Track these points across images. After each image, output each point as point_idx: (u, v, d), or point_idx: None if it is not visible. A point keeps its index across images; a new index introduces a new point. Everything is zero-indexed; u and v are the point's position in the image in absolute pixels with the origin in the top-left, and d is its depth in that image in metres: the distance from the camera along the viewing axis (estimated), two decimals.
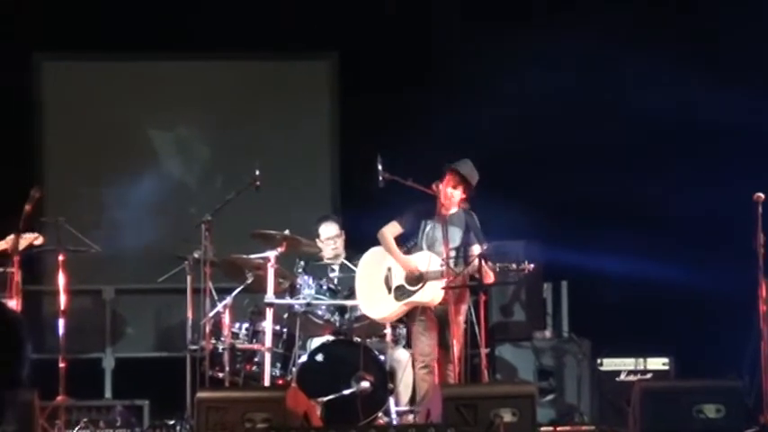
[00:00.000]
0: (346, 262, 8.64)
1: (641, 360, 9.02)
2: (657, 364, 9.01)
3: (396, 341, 8.31)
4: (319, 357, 8.08)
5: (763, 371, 7.73)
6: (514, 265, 7.67)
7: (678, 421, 7.16)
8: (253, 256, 8.31)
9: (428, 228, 7.90)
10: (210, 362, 8.17)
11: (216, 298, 8.25)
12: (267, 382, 8.00)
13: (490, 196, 8.51)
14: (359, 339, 8.16)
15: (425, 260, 7.78)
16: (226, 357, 8.17)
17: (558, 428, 8.63)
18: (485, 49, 9.89)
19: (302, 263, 8.55)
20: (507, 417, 6.67)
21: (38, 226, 8.25)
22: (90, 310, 9.92)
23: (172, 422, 8.48)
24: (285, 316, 8.45)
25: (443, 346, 7.79)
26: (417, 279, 7.80)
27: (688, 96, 9.38)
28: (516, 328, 9.34)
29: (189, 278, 8.44)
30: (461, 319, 7.79)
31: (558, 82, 9.82)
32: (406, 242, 8.05)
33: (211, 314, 8.18)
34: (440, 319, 7.80)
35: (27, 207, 7.81)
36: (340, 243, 8.72)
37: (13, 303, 7.62)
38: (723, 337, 9.00)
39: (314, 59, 10.78)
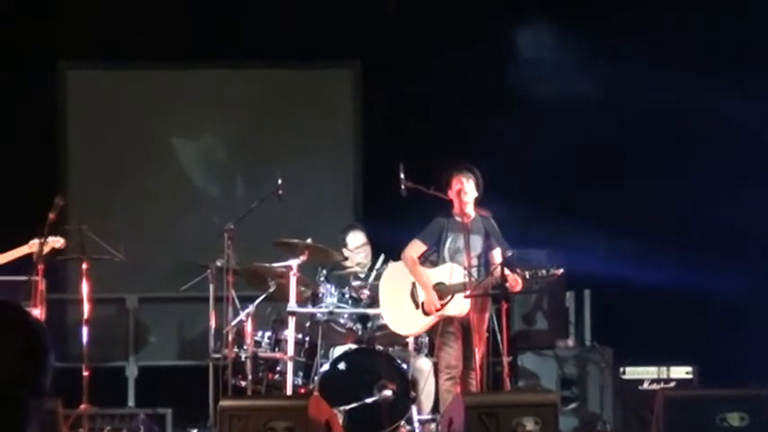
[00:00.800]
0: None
1: (664, 369, 8.99)
2: (680, 372, 8.98)
3: (418, 350, 8.30)
4: (341, 366, 8.08)
5: None
6: (544, 271, 7.66)
7: (701, 430, 7.13)
8: (275, 264, 8.32)
9: (449, 240, 7.90)
10: (233, 370, 8.18)
11: (239, 306, 8.26)
12: (289, 391, 8.01)
13: (513, 205, 8.52)
14: (381, 348, 8.15)
15: (448, 272, 7.77)
16: (248, 366, 8.18)
17: None
18: (505, 57, 9.88)
19: (324, 271, 8.56)
20: (530, 425, 6.66)
21: (61, 234, 8.28)
22: (113, 318, 9.95)
23: (194, 431, 8.50)
24: (307, 324, 8.46)
25: (466, 354, 7.79)
26: (444, 293, 7.80)
27: (712, 101, 9.35)
28: (539, 336, 9.32)
29: (212, 287, 8.47)
30: (484, 327, 7.78)
31: (579, 89, 9.81)
32: (428, 253, 8.04)
33: (234, 323, 8.20)
34: (463, 328, 7.80)
35: (51, 215, 7.85)
36: (367, 252, 8.74)
37: (38, 312, 7.65)
38: (746, 345, 8.96)
39: (336, 68, 10.80)
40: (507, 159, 9.65)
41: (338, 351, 8.29)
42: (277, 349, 8.32)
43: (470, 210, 7.84)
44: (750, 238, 9.66)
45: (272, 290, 8.35)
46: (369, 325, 8.25)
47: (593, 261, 9.15)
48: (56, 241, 7.99)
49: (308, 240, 8.24)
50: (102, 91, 10.59)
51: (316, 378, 8.16)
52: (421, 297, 7.88)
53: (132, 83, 10.61)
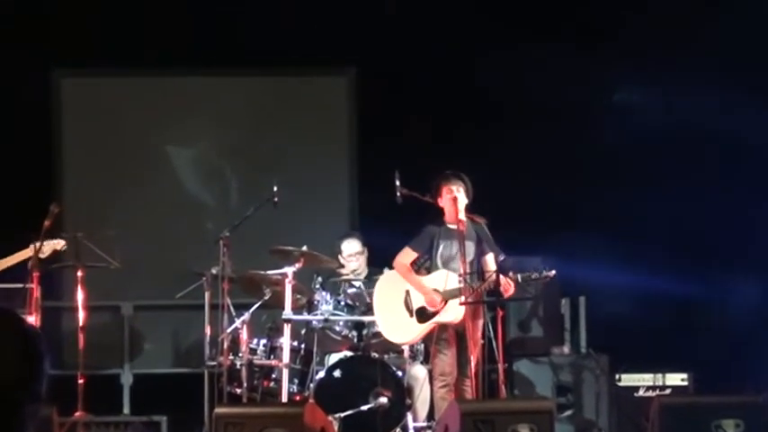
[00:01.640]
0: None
1: (660, 376, 9.00)
2: (676, 379, 8.99)
3: (413, 357, 8.30)
4: (337, 373, 8.08)
5: None
6: (536, 274, 7.66)
7: None
8: (270, 272, 8.31)
9: (441, 247, 7.90)
10: (228, 378, 8.18)
11: (234, 314, 8.26)
12: (285, 398, 8.01)
13: (508, 211, 8.53)
14: (376, 355, 8.15)
15: (442, 279, 7.78)
16: (243, 373, 8.18)
17: None
18: (502, 64, 9.89)
19: (320, 279, 8.56)
20: None
21: None
22: (108, 326, 9.94)
23: None
24: (303, 332, 8.46)
25: (460, 361, 7.79)
26: (440, 301, 7.79)
27: (710, 112, 9.37)
28: (534, 343, 9.32)
29: (207, 294, 8.46)
30: (478, 334, 7.78)
31: (577, 96, 9.83)
32: (418, 261, 8.04)
33: (229, 330, 8.19)
34: (458, 335, 7.80)
35: (46, 223, 7.84)
36: (362, 260, 8.75)
37: (32, 319, 7.64)
38: (742, 352, 8.96)
39: (332, 75, 10.81)
40: (503, 166, 9.67)
41: (333, 358, 8.29)
42: (272, 357, 8.32)
43: (463, 216, 7.84)
44: (747, 246, 9.67)
45: (267, 297, 8.35)
46: (364, 332, 8.25)
47: (589, 268, 9.16)
48: (57, 243, 7.97)
49: (304, 248, 8.25)
50: (97, 98, 10.58)
51: (311, 385, 8.16)
52: (415, 304, 7.87)
53: (127, 90, 10.60)
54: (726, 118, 9.28)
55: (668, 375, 9.01)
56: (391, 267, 8.12)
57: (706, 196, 9.56)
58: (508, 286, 7.53)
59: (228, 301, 8.21)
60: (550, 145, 9.95)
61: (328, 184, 10.57)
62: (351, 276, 8.67)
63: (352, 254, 8.74)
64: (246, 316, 8.22)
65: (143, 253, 9.96)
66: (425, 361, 8.22)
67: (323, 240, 8.88)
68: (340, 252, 8.74)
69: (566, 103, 9.90)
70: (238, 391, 8.23)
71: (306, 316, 8.34)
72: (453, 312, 7.71)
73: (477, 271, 7.81)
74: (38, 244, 7.81)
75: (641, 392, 8.96)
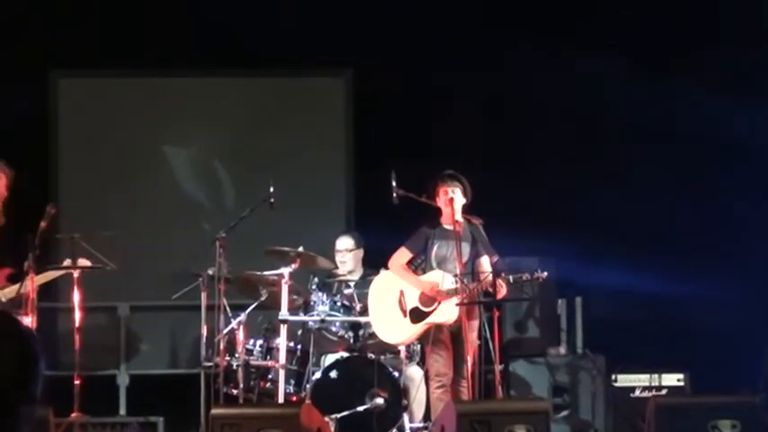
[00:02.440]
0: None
1: (656, 376, 9.00)
2: (672, 380, 9.00)
3: (410, 357, 8.31)
4: (333, 374, 8.08)
5: None
6: (527, 275, 7.66)
7: None
8: (267, 272, 8.32)
9: (436, 247, 7.91)
10: (225, 378, 8.18)
11: (230, 315, 8.26)
12: (281, 399, 8.01)
13: (504, 212, 8.53)
14: (373, 356, 8.15)
15: (438, 279, 7.78)
16: (240, 374, 8.17)
17: None
18: (501, 65, 9.90)
19: (316, 279, 8.56)
20: None
21: (53, 242, 8.27)
22: (104, 326, 9.93)
23: None
24: (299, 332, 8.47)
25: (456, 362, 7.79)
26: (432, 299, 7.80)
27: (707, 116, 9.37)
28: (530, 344, 9.33)
29: (203, 295, 8.45)
30: (474, 335, 7.78)
31: (572, 100, 9.84)
32: (414, 262, 8.05)
33: (225, 331, 8.19)
34: (453, 335, 7.80)
35: (42, 224, 7.83)
36: (350, 258, 8.75)
37: (29, 320, 7.63)
38: (738, 352, 8.97)
39: (329, 76, 10.81)
40: (500, 167, 9.68)
41: (330, 359, 8.29)
42: (269, 357, 8.32)
43: (459, 217, 7.85)
44: (743, 246, 9.68)
45: (263, 298, 8.36)
46: (360, 333, 8.25)
47: (585, 269, 9.17)
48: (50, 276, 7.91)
49: (300, 248, 8.25)
50: (93, 99, 10.58)
51: (307, 386, 8.16)
52: (409, 305, 7.87)
53: (124, 91, 10.60)
54: (725, 120, 9.28)
55: (664, 376, 9.01)
56: (387, 268, 8.12)
57: (703, 197, 9.57)
58: (500, 287, 7.54)
59: (225, 301, 8.21)
60: (548, 145, 9.97)
61: (325, 184, 10.57)
62: (347, 277, 8.68)
63: (342, 250, 8.76)
64: (243, 317, 8.23)
65: (140, 254, 9.96)
66: (422, 362, 8.22)
67: (319, 241, 8.89)
68: (334, 250, 8.78)
69: (564, 104, 9.91)
70: (235, 391, 8.23)
71: (302, 317, 8.34)
72: (447, 313, 7.71)
73: (472, 272, 7.82)
74: (35, 246, 7.80)
75: (637, 393, 8.96)
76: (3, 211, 7.81)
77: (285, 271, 8.10)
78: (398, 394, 8.00)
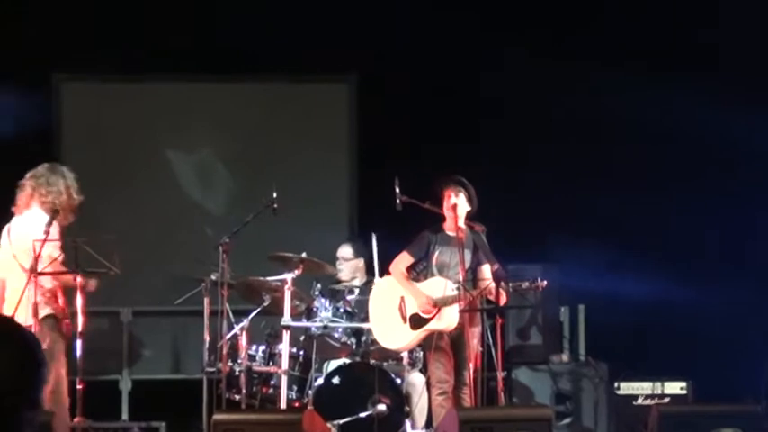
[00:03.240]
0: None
1: (658, 384, 9.00)
2: (675, 387, 8.99)
3: (412, 364, 8.30)
4: (336, 380, 8.07)
5: None
6: (527, 284, 7.65)
7: None
8: (270, 278, 8.32)
9: (437, 253, 7.89)
10: (227, 384, 8.18)
11: (233, 320, 8.26)
12: (283, 405, 8.00)
13: (507, 219, 8.53)
14: (375, 362, 8.15)
15: (438, 286, 7.76)
16: (242, 380, 8.17)
17: None
18: (504, 71, 9.90)
19: (319, 285, 8.56)
20: None
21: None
22: (107, 331, 9.93)
23: None
24: (302, 338, 8.46)
25: (458, 369, 7.78)
26: (432, 306, 7.78)
27: (710, 120, 9.37)
28: (533, 351, 9.32)
29: (206, 300, 8.45)
30: (475, 341, 7.77)
31: (576, 103, 9.84)
32: (416, 267, 8.04)
33: (228, 336, 8.19)
34: (454, 342, 7.79)
35: (45, 229, 7.83)
36: (347, 266, 8.78)
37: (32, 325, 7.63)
38: (741, 360, 8.96)
39: (333, 82, 10.81)
40: (504, 173, 9.68)
41: (332, 365, 8.29)
42: (271, 363, 8.31)
43: (462, 223, 7.83)
44: (745, 254, 9.67)
45: (266, 303, 8.36)
46: (363, 339, 8.25)
47: (588, 276, 9.16)
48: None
49: (303, 254, 8.25)
50: (97, 103, 10.58)
51: (310, 392, 8.16)
52: (409, 311, 7.85)
53: (127, 95, 10.60)
54: (727, 125, 9.28)
55: (667, 383, 9.01)
56: (388, 272, 8.11)
57: (707, 204, 9.56)
58: (500, 296, 7.52)
59: (227, 307, 8.20)
60: (552, 151, 9.96)
61: (328, 190, 10.57)
62: (352, 284, 8.69)
63: (339, 258, 8.78)
64: (245, 322, 8.23)
65: (142, 259, 9.96)
66: (424, 368, 8.21)
67: (322, 247, 8.88)
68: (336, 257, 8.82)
69: (567, 110, 9.91)
70: (237, 397, 8.23)
71: (305, 323, 8.34)
72: (447, 320, 7.69)
73: (472, 279, 7.80)
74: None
75: (640, 401, 8.95)
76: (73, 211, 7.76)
77: (288, 277, 8.10)
78: (401, 401, 7.99)
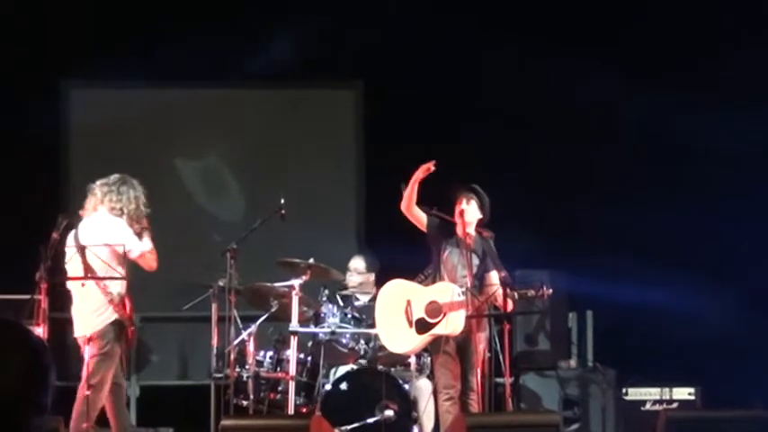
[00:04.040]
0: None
1: (667, 390, 8.98)
2: (683, 393, 8.97)
3: (420, 370, 8.30)
4: (343, 386, 8.07)
5: None
6: (532, 291, 7.64)
7: None
8: (277, 284, 8.32)
9: (447, 251, 7.86)
10: (235, 390, 8.18)
11: (240, 326, 8.26)
12: (291, 411, 8.01)
13: (515, 226, 8.52)
14: (383, 368, 8.15)
15: (445, 291, 7.74)
16: (250, 385, 8.18)
17: None
18: (511, 77, 9.91)
19: (327, 291, 8.56)
20: None
21: (65, 253, 8.27)
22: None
23: None
24: (309, 344, 8.46)
25: (464, 374, 7.77)
26: (438, 310, 7.77)
27: (716, 128, 9.36)
28: (541, 357, 9.32)
29: (214, 306, 8.46)
30: (482, 347, 7.76)
31: (586, 114, 9.83)
32: (424, 269, 8.03)
33: (236, 342, 8.20)
34: (461, 348, 7.77)
35: (54, 234, 7.85)
36: (358, 279, 8.77)
37: (40, 331, 7.64)
38: (750, 366, 8.95)
39: (339, 88, 10.82)
40: (510, 179, 9.67)
41: (340, 371, 8.29)
42: (279, 369, 8.32)
43: (471, 230, 7.83)
44: (754, 260, 9.66)
45: (274, 309, 8.36)
46: (371, 345, 8.25)
47: (596, 282, 9.15)
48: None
49: (311, 260, 8.25)
50: (104, 110, 10.59)
51: (318, 398, 8.16)
52: (415, 315, 7.83)
53: (136, 102, 10.61)
54: (731, 133, 9.28)
55: (675, 389, 8.99)
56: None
57: (715, 212, 9.55)
58: (506, 303, 7.51)
59: (235, 313, 8.21)
60: (561, 159, 9.96)
61: (336, 196, 10.58)
62: (357, 290, 8.69)
63: (351, 269, 8.78)
64: (253, 328, 8.23)
65: None
66: (432, 374, 8.20)
67: (330, 253, 8.88)
68: (347, 266, 8.81)
69: (579, 117, 9.90)
70: (245, 403, 8.23)
71: (312, 328, 8.35)
72: (453, 324, 7.68)
73: (479, 286, 7.79)
74: (46, 256, 7.81)
75: (648, 406, 8.94)
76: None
77: (296, 282, 8.11)
78: (408, 406, 7.99)
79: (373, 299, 8.51)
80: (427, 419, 8.17)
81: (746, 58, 9.82)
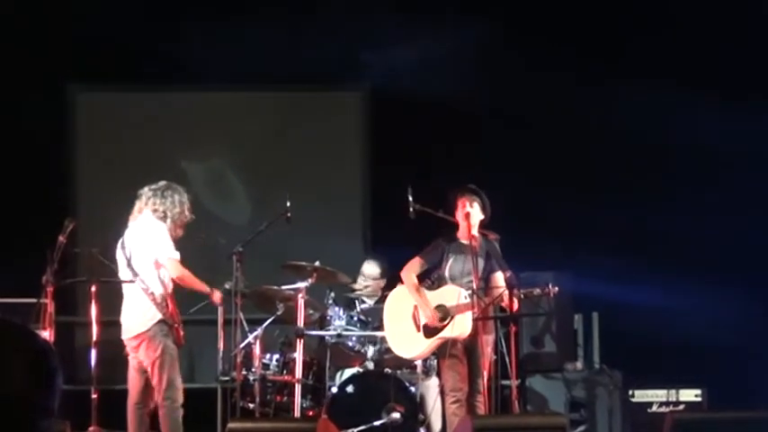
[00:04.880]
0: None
1: (673, 391, 8.97)
2: (690, 395, 8.97)
3: (426, 372, 8.30)
4: (350, 388, 8.08)
5: None
6: (538, 290, 7.64)
7: None
8: (284, 287, 8.33)
9: (450, 261, 7.88)
10: (241, 393, 8.19)
11: (247, 329, 8.27)
12: (297, 414, 8.01)
13: (520, 227, 8.52)
14: (389, 370, 8.15)
15: (452, 295, 7.74)
16: (257, 388, 8.19)
17: None
18: (518, 80, 9.91)
19: (333, 294, 8.57)
20: None
21: (71, 256, 8.30)
22: (122, 341, 9.94)
23: None
24: (316, 347, 8.46)
25: (471, 377, 7.77)
26: (445, 314, 7.77)
27: (718, 127, 9.36)
28: (547, 359, 9.31)
29: (220, 309, 8.46)
30: (489, 349, 7.76)
31: (593, 115, 9.83)
32: (430, 275, 8.03)
33: (242, 345, 8.20)
34: (468, 350, 7.78)
35: (61, 238, 7.87)
36: (373, 285, 8.78)
37: (46, 334, 7.66)
38: (756, 368, 8.94)
39: (345, 91, 10.83)
40: (515, 181, 9.67)
41: (346, 374, 8.29)
42: (285, 372, 8.33)
43: (475, 232, 7.83)
44: (761, 262, 9.65)
45: (280, 312, 8.37)
46: (377, 347, 8.25)
47: (602, 284, 9.15)
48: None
49: (317, 263, 8.26)
50: (111, 113, 10.63)
51: (324, 401, 8.16)
52: (422, 319, 7.84)
53: (141, 105, 10.64)
54: (736, 134, 9.28)
55: (682, 391, 8.98)
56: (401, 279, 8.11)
57: (722, 212, 9.54)
58: (512, 303, 7.52)
59: (241, 316, 8.21)
60: (567, 161, 9.96)
61: (341, 199, 10.58)
62: (365, 292, 8.70)
63: (366, 275, 8.78)
64: (259, 331, 8.24)
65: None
66: (438, 376, 8.21)
67: (336, 255, 8.89)
68: (360, 271, 8.81)
69: (585, 119, 9.90)
70: (251, 405, 8.24)
71: (319, 331, 8.35)
72: (460, 327, 7.68)
73: (485, 287, 7.79)
74: (52, 260, 7.84)
75: (654, 408, 8.94)
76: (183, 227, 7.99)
77: (302, 285, 8.11)
78: (415, 409, 7.99)
79: (379, 301, 8.53)
80: (434, 422, 8.18)
81: (747, 57, 9.81)
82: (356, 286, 8.78)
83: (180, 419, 7.71)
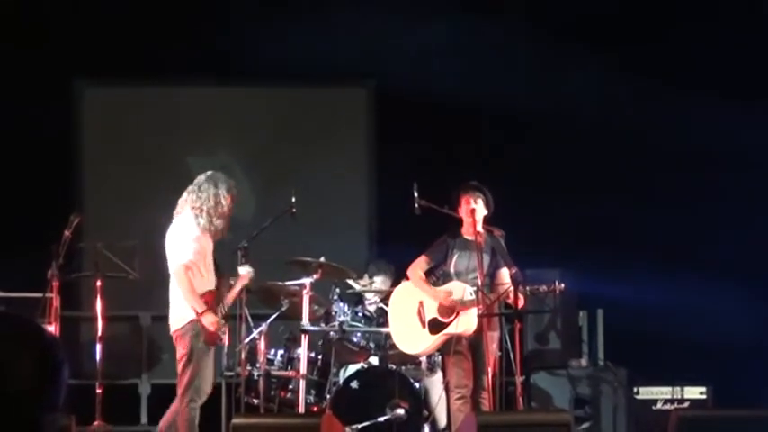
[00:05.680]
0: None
1: (678, 389, 8.97)
2: (694, 392, 8.96)
3: (431, 368, 8.30)
4: (354, 384, 8.08)
5: None
6: (544, 287, 7.64)
7: None
8: (288, 282, 8.33)
9: (455, 256, 7.88)
10: (246, 388, 8.19)
11: (251, 324, 8.27)
12: (302, 409, 8.02)
13: (526, 224, 8.52)
14: (394, 366, 8.15)
15: (457, 291, 7.75)
16: (261, 384, 8.19)
17: None
18: (522, 79, 9.91)
19: (337, 290, 8.57)
20: None
21: (76, 251, 8.31)
22: (127, 335, 9.96)
23: None
24: (320, 343, 8.47)
25: (476, 373, 7.77)
26: (450, 310, 7.77)
27: (725, 130, 9.35)
28: (552, 356, 9.31)
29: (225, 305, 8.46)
30: (494, 346, 7.76)
31: (594, 111, 9.83)
32: (435, 272, 8.04)
33: (247, 341, 8.20)
34: (472, 346, 7.78)
35: (66, 233, 7.88)
36: (379, 284, 8.77)
37: (52, 328, 7.68)
38: (761, 365, 8.93)
39: (351, 87, 10.83)
40: (521, 179, 9.67)
41: (351, 369, 8.29)
42: (290, 367, 8.33)
43: (480, 228, 7.83)
44: (764, 260, 9.65)
45: (284, 308, 8.37)
46: (381, 343, 8.25)
47: (607, 281, 9.15)
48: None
49: (322, 259, 8.26)
50: (117, 109, 10.64)
51: (328, 396, 8.17)
52: (428, 316, 7.84)
53: (148, 101, 10.65)
54: (738, 132, 9.27)
55: (687, 388, 8.98)
56: (407, 277, 8.11)
57: (727, 210, 9.54)
58: (518, 299, 7.51)
59: (246, 311, 8.21)
60: (571, 159, 9.96)
61: (347, 195, 10.59)
62: (368, 288, 8.70)
63: (377, 281, 8.77)
64: (264, 327, 8.24)
65: (162, 263, 9.97)
66: (443, 373, 8.21)
67: (341, 251, 8.89)
68: (369, 273, 8.79)
69: (588, 118, 9.89)
70: (256, 401, 8.24)
71: (323, 327, 8.35)
72: (465, 324, 7.68)
73: (490, 284, 7.79)
74: (58, 255, 7.85)
75: (659, 405, 8.93)
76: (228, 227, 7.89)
77: (306, 281, 8.12)
78: (419, 405, 7.99)
79: (383, 299, 8.53)
80: (438, 418, 8.18)
81: (748, 57, 9.80)
82: (361, 282, 8.76)
83: (195, 419, 7.68)
